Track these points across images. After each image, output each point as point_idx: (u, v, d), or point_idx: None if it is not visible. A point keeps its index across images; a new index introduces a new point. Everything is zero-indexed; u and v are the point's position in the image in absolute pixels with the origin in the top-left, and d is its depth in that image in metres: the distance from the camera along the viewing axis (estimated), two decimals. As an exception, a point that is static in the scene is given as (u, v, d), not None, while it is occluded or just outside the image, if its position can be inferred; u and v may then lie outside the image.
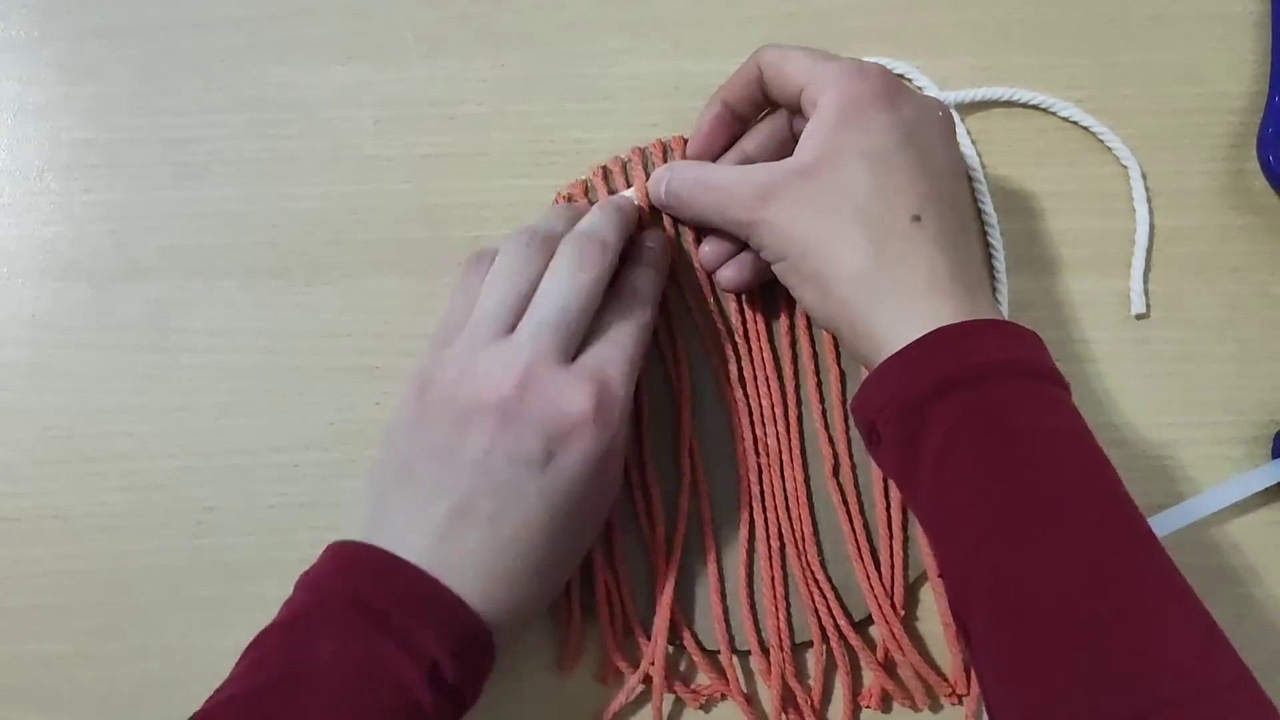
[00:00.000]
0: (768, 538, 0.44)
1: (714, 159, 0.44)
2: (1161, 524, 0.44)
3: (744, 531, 0.44)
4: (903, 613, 0.43)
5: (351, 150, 0.46)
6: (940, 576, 0.35)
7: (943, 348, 0.35)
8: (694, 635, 0.43)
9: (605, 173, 0.45)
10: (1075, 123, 0.47)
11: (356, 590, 0.35)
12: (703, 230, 0.43)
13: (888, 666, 0.43)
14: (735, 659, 0.43)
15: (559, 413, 0.37)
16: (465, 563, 0.36)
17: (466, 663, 0.35)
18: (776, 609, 0.43)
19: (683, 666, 0.44)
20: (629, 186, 0.45)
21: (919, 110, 0.39)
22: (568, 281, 0.38)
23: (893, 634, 0.43)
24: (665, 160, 0.45)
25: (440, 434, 0.37)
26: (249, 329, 0.46)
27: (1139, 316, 0.46)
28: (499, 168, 0.46)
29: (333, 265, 0.46)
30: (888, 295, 0.36)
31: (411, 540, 0.36)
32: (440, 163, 0.47)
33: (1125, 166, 0.47)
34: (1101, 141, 0.47)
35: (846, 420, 0.44)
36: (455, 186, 0.46)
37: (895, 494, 0.44)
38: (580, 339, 0.39)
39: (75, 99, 0.47)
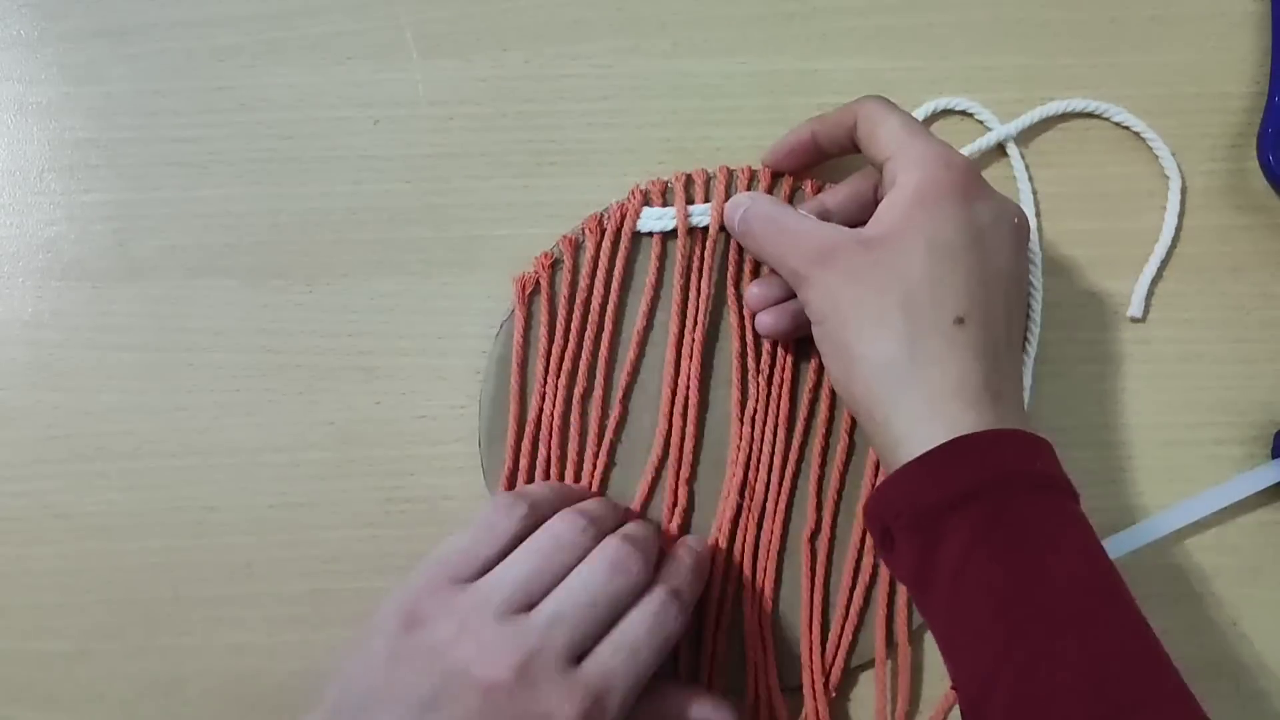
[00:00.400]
0: (724, 582, 0.44)
1: (785, 176, 0.44)
2: (1162, 524, 0.44)
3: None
4: (834, 694, 0.43)
5: (351, 150, 0.46)
6: (952, 684, 0.35)
7: (962, 457, 0.35)
8: None
9: (688, 180, 0.45)
10: (1126, 126, 0.47)
11: None
12: (761, 265, 0.44)
13: None
14: None
15: (544, 716, 0.35)
16: None
17: None
18: (714, 654, 0.43)
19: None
20: (708, 200, 0.45)
21: (995, 213, 0.38)
22: (602, 580, 0.37)
23: (816, 711, 0.43)
24: (750, 185, 0.45)
25: (415, 687, 0.35)
26: (249, 329, 0.46)
27: (1134, 320, 0.46)
28: (499, 168, 0.47)
29: (333, 265, 0.46)
30: (913, 391, 0.36)
31: None
32: (440, 163, 0.47)
33: (1167, 177, 0.46)
34: (1149, 148, 0.47)
35: (840, 491, 0.44)
36: (455, 186, 0.46)
37: (863, 575, 0.44)
38: (594, 640, 0.37)
39: (76, 99, 0.47)
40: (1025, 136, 0.47)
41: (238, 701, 0.44)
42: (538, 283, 0.45)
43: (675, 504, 0.44)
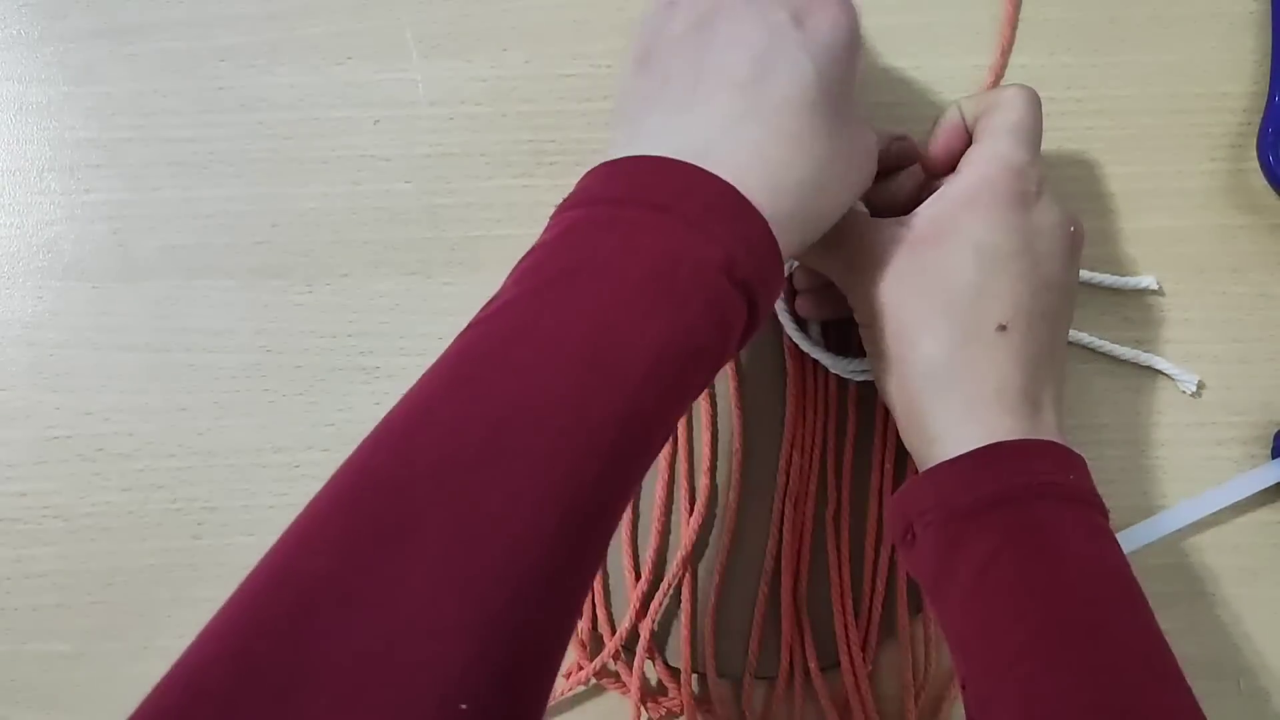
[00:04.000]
0: (772, 565, 0.44)
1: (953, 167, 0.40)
2: (1162, 524, 0.44)
3: (722, 558, 0.44)
4: (869, 668, 0.44)
5: (351, 150, 0.46)
6: (961, 684, 0.35)
7: (998, 464, 0.35)
8: (660, 652, 0.44)
9: None
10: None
11: (630, 192, 0.32)
12: None
13: (843, 716, 0.44)
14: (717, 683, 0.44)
15: None
16: (739, 138, 0.32)
17: (758, 261, 0.31)
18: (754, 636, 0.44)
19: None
20: None
21: (1050, 220, 0.37)
22: None
23: (857, 686, 0.43)
24: None
25: (689, 19, 0.34)
26: (249, 329, 0.46)
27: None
28: (499, 168, 0.46)
29: (333, 265, 0.46)
30: (952, 395, 0.36)
31: (673, 133, 0.33)
32: (440, 163, 0.47)
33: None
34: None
35: (854, 470, 0.44)
36: (455, 186, 0.46)
37: (884, 552, 0.44)
38: None
39: (76, 99, 0.47)
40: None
41: (238, 702, 0.44)
42: None
43: (693, 497, 0.44)
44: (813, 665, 0.44)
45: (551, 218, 0.33)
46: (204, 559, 0.45)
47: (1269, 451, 0.45)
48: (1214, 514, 0.44)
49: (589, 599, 0.44)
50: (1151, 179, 0.47)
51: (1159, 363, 0.45)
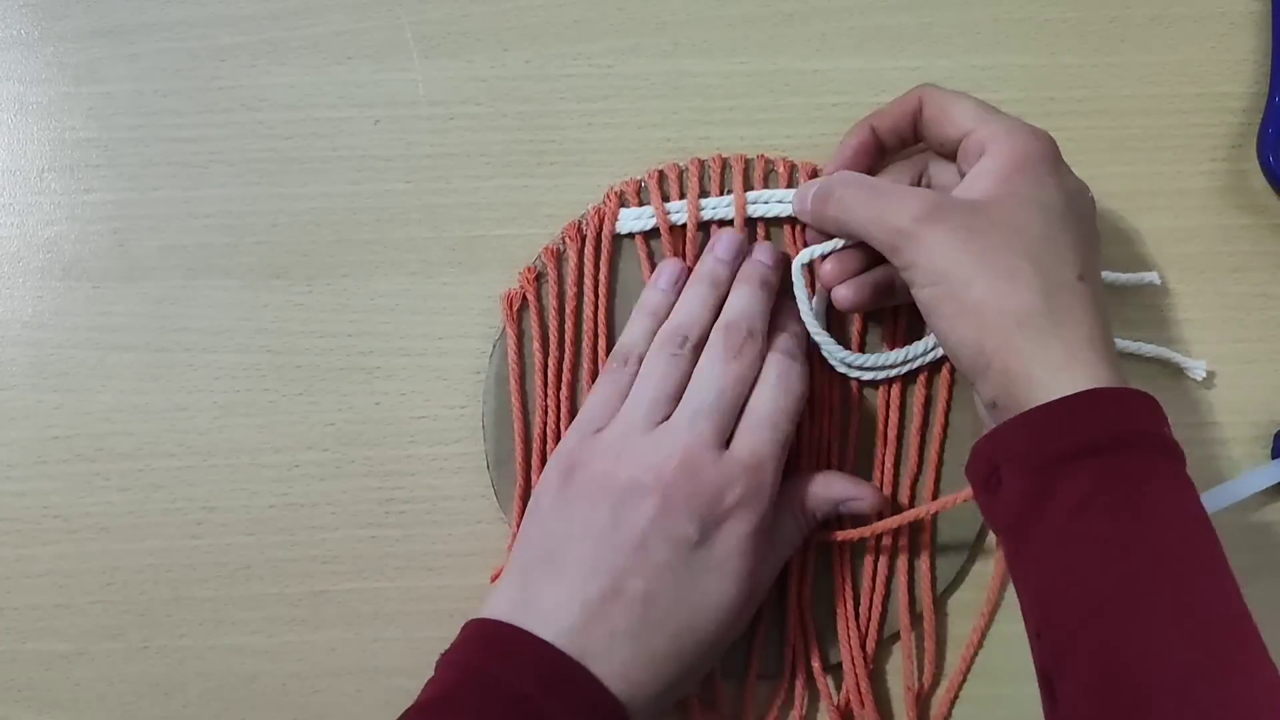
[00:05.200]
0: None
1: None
2: (1162, 524, 0.44)
3: None
4: (871, 666, 0.44)
5: (351, 150, 0.46)
6: (1035, 632, 0.35)
7: (1097, 409, 0.35)
8: None
9: (661, 177, 0.45)
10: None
11: (498, 673, 0.36)
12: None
13: (845, 717, 0.44)
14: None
15: (715, 498, 0.38)
16: (611, 646, 0.37)
17: None
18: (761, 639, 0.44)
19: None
20: (682, 196, 0.45)
21: (1077, 183, 0.40)
22: (721, 371, 0.40)
23: (858, 686, 0.43)
24: (722, 174, 0.45)
25: (594, 516, 0.38)
26: (249, 329, 0.46)
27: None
28: (499, 168, 0.46)
29: (333, 265, 0.46)
30: (1054, 341, 0.36)
31: (558, 621, 0.37)
32: (440, 163, 0.47)
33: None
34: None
35: (855, 471, 0.44)
36: (455, 186, 0.46)
37: (884, 549, 0.44)
38: (734, 424, 0.40)
39: (77, 98, 0.47)
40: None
41: (237, 703, 0.44)
42: (524, 298, 0.45)
43: None
44: (815, 665, 0.44)
45: (436, 665, 0.38)
46: (203, 559, 0.45)
47: (1269, 451, 0.45)
48: (1214, 514, 0.44)
49: None
50: (1152, 179, 0.47)
51: (1165, 353, 0.45)
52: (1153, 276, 0.45)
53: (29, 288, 0.46)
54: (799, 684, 0.44)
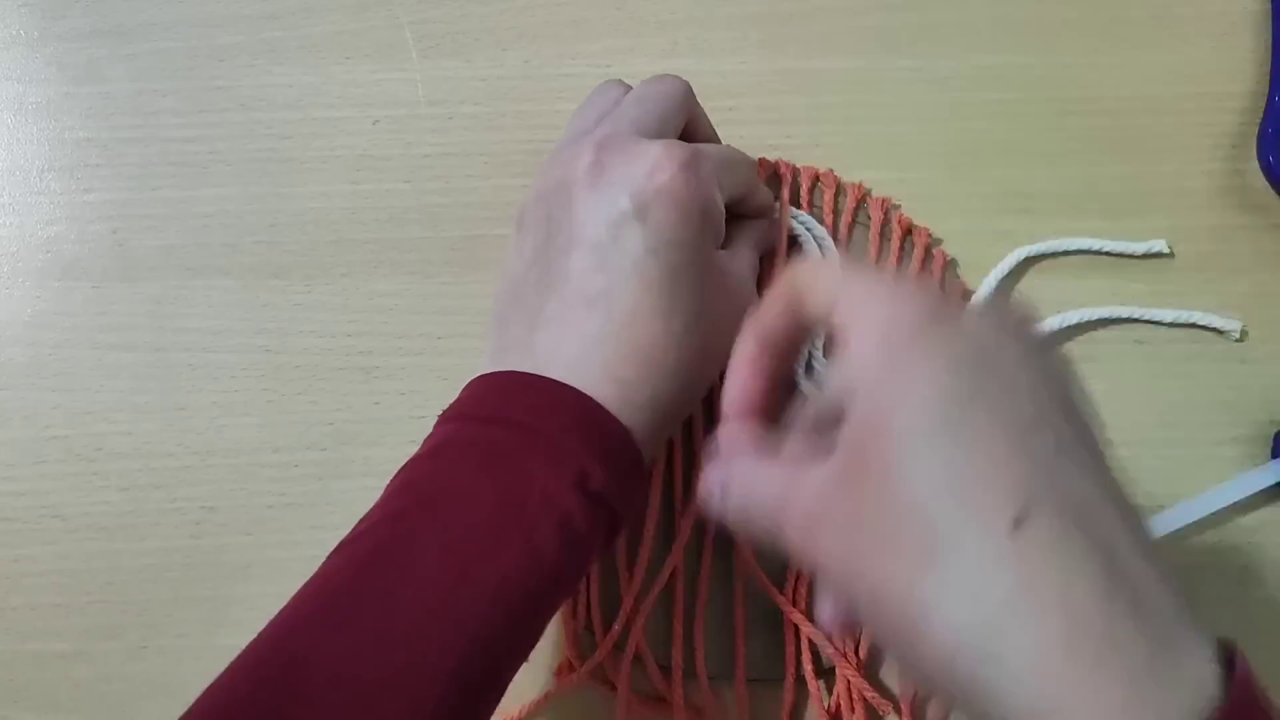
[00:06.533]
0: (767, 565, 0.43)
1: (762, 408, 0.31)
2: (1161, 524, 0.44)
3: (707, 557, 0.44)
4: (864, 671, 0.43)
5: (351, 150, 0.46)
6: None
7: None
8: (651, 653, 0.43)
9: None
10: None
11: (494, 410, 0.34)
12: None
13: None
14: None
15: (644, 167, 0.35)
16: (592, 358, 0.34)
17: (615, 469, 0.33)
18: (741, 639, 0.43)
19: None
20: None
21: (983, 331, 0.26)
22: (642, 90, 0.39)
23: (849, 689, 0.43)
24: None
25: (538, 234, 0.37)
26: (249, 329, 0.46)
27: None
28: (498, 168, 0.46)
29: (332, 265, 0.46)
30: (1006, 657, 0.23)
31: (535, 350, 0.35)
32: (440, 163, 0.47)
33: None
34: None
35: None
36: (455, 186, 0.46)
37: None
38: (659, 134, 0.37)
39: (76, 98, 0.47)
40: (1025, 136, 0.47)
41: (237, 702, 0.44)
42: None
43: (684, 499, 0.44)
44: (808, 667, 0.43)
45: (435, 424, 0.36)
46: (203, 558, 0.45)
47: (1269, 451, 0.45)
48: (1214, 514, 0.44)
49: (583, 597, 0.43)
50: (1151, 179, 0.47)
51: (1198, 316, 0.45)
52: (1160, 244, 0.45)
53: (28, 287, 0.46)
54: (790, 686, 0.44)
